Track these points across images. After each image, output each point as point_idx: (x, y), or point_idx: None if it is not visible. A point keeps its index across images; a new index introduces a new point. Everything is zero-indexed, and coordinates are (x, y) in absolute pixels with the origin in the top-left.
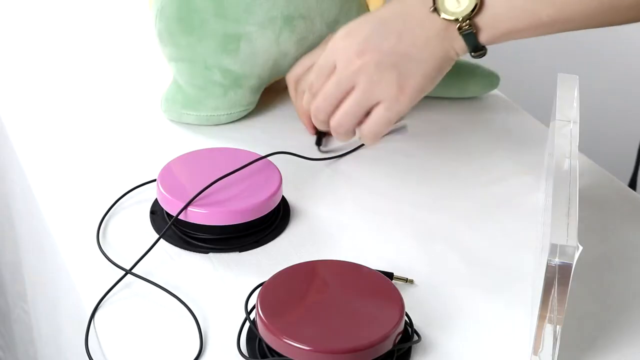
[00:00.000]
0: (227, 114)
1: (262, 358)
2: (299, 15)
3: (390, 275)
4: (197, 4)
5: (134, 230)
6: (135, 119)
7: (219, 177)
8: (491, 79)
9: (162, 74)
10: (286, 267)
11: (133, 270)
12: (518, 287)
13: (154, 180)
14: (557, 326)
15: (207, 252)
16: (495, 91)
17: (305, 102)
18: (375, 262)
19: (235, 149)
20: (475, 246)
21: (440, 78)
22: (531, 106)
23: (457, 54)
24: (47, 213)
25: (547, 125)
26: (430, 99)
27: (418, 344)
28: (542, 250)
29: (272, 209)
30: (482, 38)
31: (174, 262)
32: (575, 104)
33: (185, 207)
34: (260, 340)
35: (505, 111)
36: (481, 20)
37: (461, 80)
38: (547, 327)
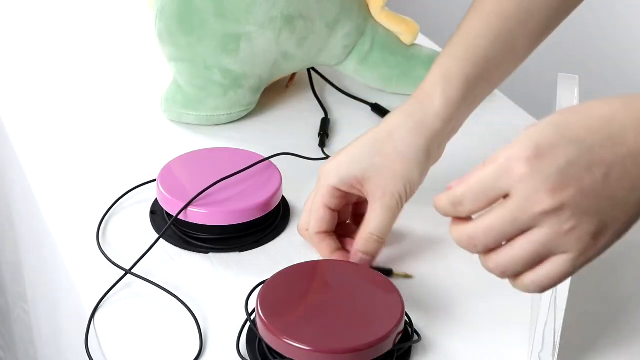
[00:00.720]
0: (227, 114)
1: (262, 358)
2: (299, 15)
3: (389, 272)
4: (197, 4)
5: (134, 230)
6: (135, 119)
7: (220, 178)
8: None
9: (162, 74)
10: (286, 267)
11: (133, 270)
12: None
13: (154, 180)
14: (557, 326)
15: (207, 252)
16: (495, 91)
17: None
18: (374, 261)
19: (236, 149)
20: None
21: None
22: (531, 106)
23: None
24: (47, 213)
25: None
26: None
27: (418, 343)
28: None
29: (272, 209)
30: None
31: (174, 262)
32: (575, 104)
33: (185, 207)
34: (260, 340)
35: (505, 111)
36: None
37: None
38: (547, 327)
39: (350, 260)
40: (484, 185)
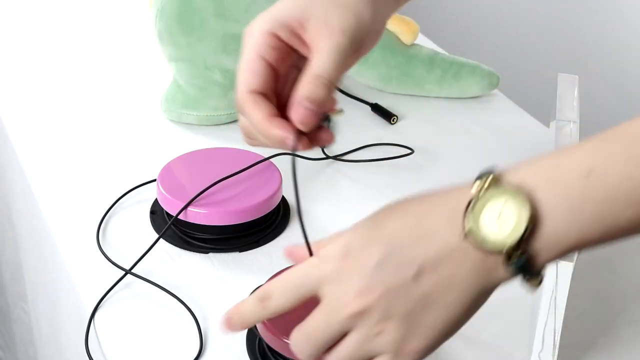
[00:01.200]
0: (227, 114)
1: (262, 358)
2: None
3: (327, 117)
4: (197, 4)
5: (134, 230)
6: (135, 119)
7: (220, 178)
8: (491, 79)
9: (162, 74)
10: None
11: (133, 270)
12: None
13: (154, 180)
14: (557, 326)
15: (207, 252)
16: (495, 91)
17: (252, 314)
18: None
19: (236, 149)
20: None
21: (469, 319)
22: (531, 106)
23: (500, 284)
24: (47, 213)
25: (547, 125)
26: (431, 99)
27: None
28: None
29: (272, 209)
30: (539, 263)
31: (174, 262)
32: (575, 104)
33: (185, 207)
34: (260, 340)
35: (505, 111)
36: (537, 243)
37: (461, 80)
38: (547, 327)
39: (293, 114)
40: (294, 282)
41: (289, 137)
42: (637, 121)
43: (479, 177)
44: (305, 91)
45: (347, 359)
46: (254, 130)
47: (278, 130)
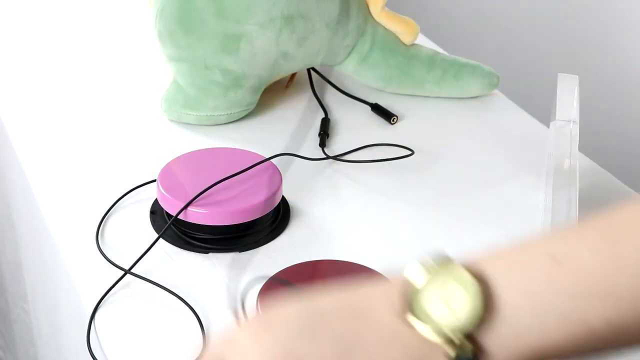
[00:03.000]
0: (227, 114)
1: None
2: (299, 15)
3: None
4: (197, 4)
5: (134, 230)
6: (135, 119)
7: (220, 178)
8: (491, 79)
9: (162, 74)
10: (286, 267)
11: (133, 270)
12: None
13: (154, 180)
14: None
15: (207, 252)
16: (495, 91)
17: None
18: (375, 262)
19: (236, 149)
20: (475, 246)
21: None
22: (531, 106)
23: None
24: (47, 213)
25: (547, 125)
26: (431, 99)
27: None
28: None
29: (272, 209)
30: (497, 348)
31: (174, 262)
32: (575, 104)
33: (185, 207)
34: None
35: (505, 111)
36: (491, 338)
37: (461, 80)
38: None
39: None
40: (212, 354)
41: None
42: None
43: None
44: None
45: None
46: None
47: None
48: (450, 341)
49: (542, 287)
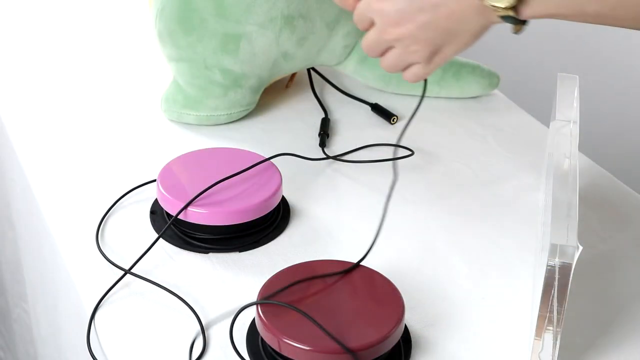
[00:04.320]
0: (227, 114)
1: (262, 358)
2: (299, 15)
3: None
4: (197, 4)
5: (134, 230)
6: (135, 119)
7: (220, 178)
8: (491, 79)
9: (162, 74)
10: (286, 267)
11: (132, 270)
12: (518, 287)
13: (154, 180)
14: (557, 326)
15: (207, 252)
16: (495, 91)
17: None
18: (375, 262)
19: (236, 149)
20: (475, 246)
21: (474, 43)
22: (531, 106)
23: (495, 23)
24: (47, 213)
25: (547, 125)
26: (431, 99)
27: (418, 345)
28: (542, 250)
29: (272, 209)
30: (523, 16)
31: (174, 262)
32: (575, 104)
33: (185, 207)
34: (261, 340)
35: (505, 111)
36: (527, 3)
37: (461, 80)
38: (547, 327)
39: None
40: (361, 15)
41: None
42: None
43: None
44: None
45: (391, 63)
46: None
47: None
48: (499, 9)
49: None
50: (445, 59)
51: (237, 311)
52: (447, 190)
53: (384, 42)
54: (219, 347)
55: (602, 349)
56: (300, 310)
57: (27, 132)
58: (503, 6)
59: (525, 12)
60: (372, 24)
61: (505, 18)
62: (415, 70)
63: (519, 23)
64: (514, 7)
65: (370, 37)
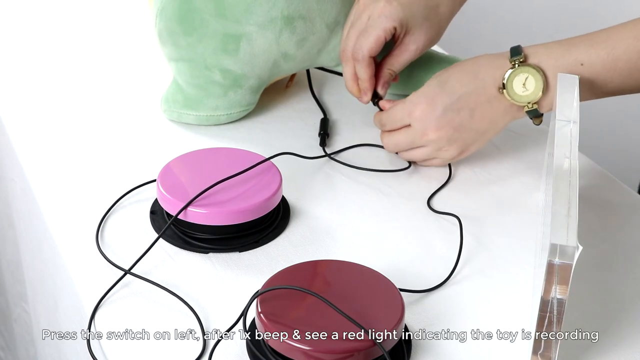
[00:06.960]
0: (227, 114)
1: (262, 358)
2: (299, 16)
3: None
4: (198, 4)
5: (134, 230)
6: (135, 119)
7: (220, 179)
8: None
9: (162, 74)
10: (286, 267)
11: (132, 270)
12: (518, 286)
13: (154, 180)
14: (557, 326)
15: (207, 252)
16: None
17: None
18: (375, 262)
19: (236, 149)
20: (475, 246)
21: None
22: None
23: (517, 118)
24: (47, 213)
25: (547, 125)
26: None
27: (417, 345)
28: (542, 250)
29: (272, 209)
30: (545, 109)
31: (174, 262)
32: (575, 104)
33: (185, 207)
34: (261, 340)
35: None
36: (546, 99)
37: None
38: (547, 327)
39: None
40: (395, 117)
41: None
42: (617, 29)
43: (512, 54)
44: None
45: (418, 158)
46: (353, 80)
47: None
48: (526, 104)
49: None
50: (468, 154)
51: (247, 302)
52: (447, 189)
53: (418, 143)
54: (218, 347)
55: (602, 349)
56: (317, 294)
57: (27, 132)
58: (528, 101)
59: (545, 103)
60: (405, 126)
61: (530, 112)
62: (438, 162)
63: (539, 116)
64: (537, 102)
65: (402, 138)
